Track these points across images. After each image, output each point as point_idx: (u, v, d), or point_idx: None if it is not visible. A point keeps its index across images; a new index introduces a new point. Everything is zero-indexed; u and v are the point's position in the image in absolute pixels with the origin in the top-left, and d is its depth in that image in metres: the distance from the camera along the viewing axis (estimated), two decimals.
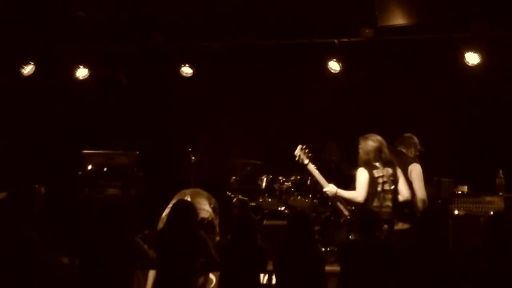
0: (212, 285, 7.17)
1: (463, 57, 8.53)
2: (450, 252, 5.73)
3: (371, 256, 5.72)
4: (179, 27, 9.23)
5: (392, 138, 8.55)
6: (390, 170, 7.30)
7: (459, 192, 8.38)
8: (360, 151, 7.53)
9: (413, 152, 7.98)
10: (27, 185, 7.45)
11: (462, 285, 5.56)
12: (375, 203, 7.21)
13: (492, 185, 8.32)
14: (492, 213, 7.71)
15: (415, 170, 7.76)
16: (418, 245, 5.69)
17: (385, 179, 7.20)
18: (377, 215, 6.03)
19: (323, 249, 7.73)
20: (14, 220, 5.45)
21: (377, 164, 7.35)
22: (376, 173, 7.31)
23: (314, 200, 8.81)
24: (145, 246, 6.01)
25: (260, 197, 8.92)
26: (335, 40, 8.87)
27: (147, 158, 8.82)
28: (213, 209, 7.51)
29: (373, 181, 7.28)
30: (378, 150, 7.40)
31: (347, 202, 7.53)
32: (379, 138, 7.49)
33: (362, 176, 7.35)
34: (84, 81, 9.55)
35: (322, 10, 8.63)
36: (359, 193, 7.35)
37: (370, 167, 7.34)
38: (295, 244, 5.92)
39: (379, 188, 7.24)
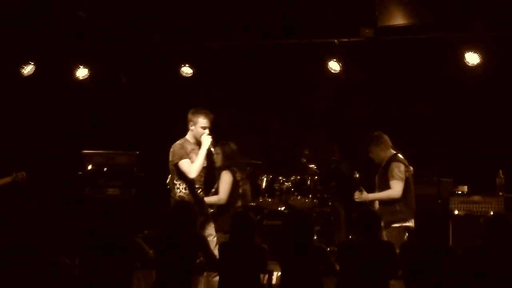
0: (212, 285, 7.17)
1: (463, 57, 8.53)
2: (451, 251, 5.73)
3: (371, 256, 5.72)
4: (179, 27, 9.23)
5: (392, 138, 8.54)
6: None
7: (459, 192, 8.39)
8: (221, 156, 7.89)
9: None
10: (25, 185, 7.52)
11: (462, 284, 5.56)
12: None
13: (492, 185, 8.32)
14: (492, 213, 7.71)
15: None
16: (419, 244, 5.70)
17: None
18: (376, 214, 6.03)
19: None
20: (16, 220, 5.45)
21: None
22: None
23: (314, 200, 8.82)
24: (146, 246, 6.02)
25: (260, 197, 8.92)
26: (335, 40, 8.87)
27: (147, 158, 8.82)
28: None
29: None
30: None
31: None
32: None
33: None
34: (84, 81, 9.54)
35: (322, 10, 8.63)
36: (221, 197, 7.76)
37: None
38: (291, 243, 5.93)
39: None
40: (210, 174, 7.80)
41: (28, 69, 9.26)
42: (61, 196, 9.13)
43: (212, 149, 7.44)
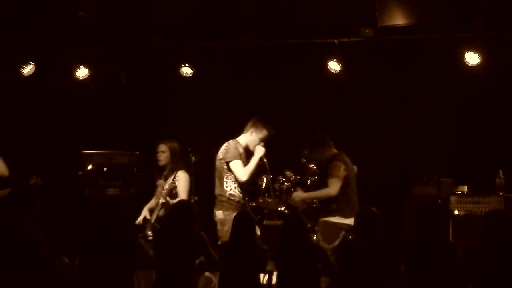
0: (212, 285, 7.17)
1: (463, 57, 8.53)
2: (450, 246, 5.72)
3: (370, 256, 5.73)
4: (179, 27, 9.23)
5: (391, 138, 8.58)
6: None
7: (459, 192, 8.38)
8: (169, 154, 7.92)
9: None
10: (28, 182, 7.52)
11: (462, 283, 5.56)
12: None
13: (492, 185, 8.32)
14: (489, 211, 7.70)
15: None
16: (419, 243, 5.70)
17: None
18: (376, 214, 6.04)
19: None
20: (18, 219, 5.45)
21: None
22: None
23: (314, 200, 8.82)
24: (146, 246, 6.02)
25: (260, 197, 8.92)
26: (335, 40, 8.86)
27: (147, 158, 8.82)
28: None
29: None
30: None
31: None
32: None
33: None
34: (84, 81, 9.54)
35: (322, 10, 8.63)
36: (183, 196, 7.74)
37: None
38: (291, 244, 5.94)
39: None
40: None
41: (28, 69, 9.25)
42: (61, 196, 9.12)
43: (265, 160, 7.70)
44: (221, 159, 7.41)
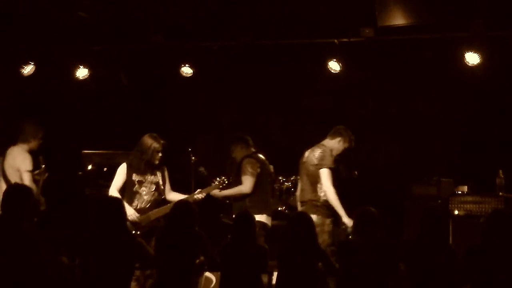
0: (212, 285, 7.17)
1: (463, 57, 8.52)
2: (451, 249, 5.73)
3: (371, 256, 5.73)
4: (179, 27, 9.23)
5: (391, 138, 8.58)
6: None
7: (459, 192, 8.39)
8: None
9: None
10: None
11: (462, 283, 5.56)
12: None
13: (492, 185, 8.32)
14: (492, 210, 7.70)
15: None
16: (420, 246, 5.70)
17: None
18: (374, 214, 6.04)
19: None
20: (17, 219, 5.45)
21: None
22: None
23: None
24: (147, 246, 6.02)
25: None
26: (335, 40, 8.86)
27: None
28: None
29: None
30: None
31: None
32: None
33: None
34: (84, 81, 9.54)
35: (322, 10, 8.63)
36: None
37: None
38: (296, 243, 5.94)
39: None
40: None
41: (28, 69, 9.25)
42: (61, 196, 9.12)
43: None
44: (316, 164, 7.35)
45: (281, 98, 9.95)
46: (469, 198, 8.26)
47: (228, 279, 5.98)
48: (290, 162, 9.04)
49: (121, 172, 7.37)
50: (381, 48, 8.95)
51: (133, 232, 6.97)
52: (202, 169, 8.19)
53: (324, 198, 7.33)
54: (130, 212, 7.06)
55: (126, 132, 9.77)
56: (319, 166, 7.33)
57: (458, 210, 8.23)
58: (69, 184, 9.18)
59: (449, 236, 7.96)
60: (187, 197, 7.35)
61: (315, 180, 7.37)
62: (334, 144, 7.54)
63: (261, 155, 7.91)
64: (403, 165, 9.54)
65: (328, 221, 7.34)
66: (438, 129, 9.47)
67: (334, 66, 8.96)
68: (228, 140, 8.03)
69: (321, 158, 7.34)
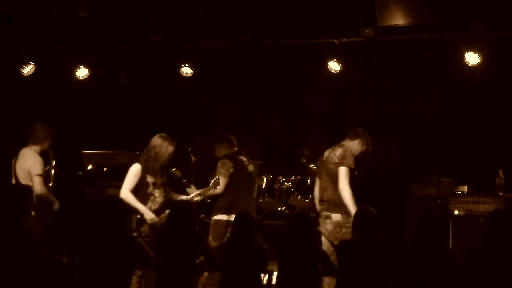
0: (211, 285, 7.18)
1: (463, 57, 8.52)
2: (449, 252, 5.74)
3: (370, 256, 5.73)
4: (179, 27, 9.23)
5: (392, 138, 8.58)
6: None
7: (459, 192, 8.39)
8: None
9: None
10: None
11: (462, 283, 5.56)
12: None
13: (492, 185, 8.32)
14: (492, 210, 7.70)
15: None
16: (419, 248, 5.70)
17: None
18: (373, 214, 6.05)
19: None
20: (17, 219, 5.45)
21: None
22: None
23: (314, 200, 8.82)
24: (146, 246, 6.02)
25: (260, 197, 8.92)
26: (335, 40, 8.86)
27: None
28: None
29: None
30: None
31: None
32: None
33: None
34: (84, 81, 9.54)
35: (322, 10, 8.63)
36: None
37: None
38: (296, 244, 5.95)
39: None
40: None
41: (28, 69, 9.26)
42: (61, 196, 9.12)
43: None
44: (337, 163, 7.34)
45: (281, 98, 9.95)
46: (469, 198, 8.25)
47: (228, 279, 5.98)
48: (290, 162, 9.06)
49: (135, 173, 7.30)
50: (381, 48, 8.94)
51: (150, 235, 6.97)
52: (175, 170, 8.20)
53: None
54: (151, 216, 7.10)
55: (126, 132, 9.79)
56: (339, 164, 7.32)
57: (458, 210, 8.22)
58: (69, 184, 9.17)
59: (448, 237, 7.97)
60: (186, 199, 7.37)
61: (336, 179, 7.34)
62: (353, 145, 7.54)
63: (242, 156, 7.93)
64: (403, 165, 9.53)
65: (349, 219, 7.33)
66: (438, 129, 9.46)
67: (334, 66, 8.96)
68: (213, 139, 8.06)
69: (342, 157, 7.34)
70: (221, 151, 7.96)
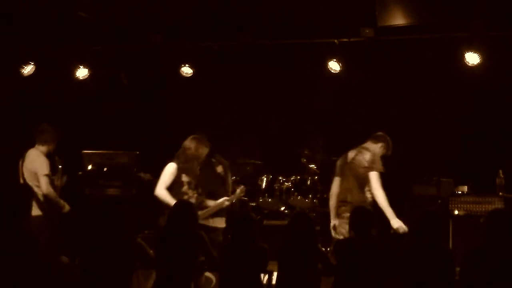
0: (212, 285, 7.17)
1: (463, 57, 8.53)
2: (449, 251, 5.73)
3: (367, 254, 5.73)
4: (179, 27, 9.23)
5: (392, 138, 8.51)
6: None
7: (459, 192, 8.39)
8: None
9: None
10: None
11: (463, 283, 5.56)
12: None
13: (492, 185, 8.32)
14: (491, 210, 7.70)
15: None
16: (417, 245, 5.70)
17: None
18: (370, 212, 6.05)
19: (323, 249, 7.73)
20: (17, 219, 5.45)
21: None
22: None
23: (314, 200, 8.83)
24: (146, 246, 6.02)
25: (260, 197, 8.92)
26: (335, 40, 8.87)
27: (147, 158, 8.83)
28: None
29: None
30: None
31: None
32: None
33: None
34: (84, 81, 9.54)
35: (322, 10, 8.63)
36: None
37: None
38: (296, 244, 5.95)
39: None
40: None
41: (28, 69, 9.26)
42: (61, 196, 9.12)
43: None
44: (366, 167, 7.38)
45: (281, 98, 9.95)
46: (469, 198, 8.25)
47: (228, 279, 5.98)
48: (290, 162, 9.06)
49: (172, 172, 7.37)
50: (381, 48, 8.95)
51: None
52: (143, 174, 8.22)
53: (371, 199, 7.35)
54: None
55: (126, 132, 9.78)
56: (369, 169, 7.36)
57: (458, 210, 8.22)
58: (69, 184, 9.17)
59: (448, 237, 7.98)
60: (215, 204, 7.42)
61: (363, 182, 7.39)
62: (375, 148, 7.56)
63: (212, 157, 8.00)
64: (403, 165, 9.53)
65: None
66: (438, 129, 9.46)
67: (334, 66, 8.96)
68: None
69: (373, 162, 7.39)
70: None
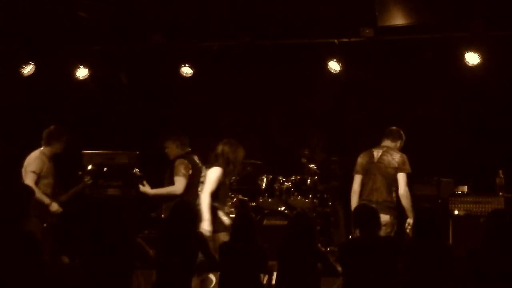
0: (212, 285, 7.17)
1: (463, 57, 8.53)
2: (449, 250, 5.73)
3: (373, 253, 5.72)
4: (179, 27, 9.23)
5: None
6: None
7: (459, 192, 8.39)
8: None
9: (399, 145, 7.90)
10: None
11: (463, 283, 5.56)
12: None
13: (492, 185, 8.32)
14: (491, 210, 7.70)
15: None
16: (418, 246, 5.70)
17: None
18: (372, 210, 6.05)
19: (323, 249, 7.74)
20: (17, 219, 5.45)
21: None
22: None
23: (314, 200, 8.82)
24: (146, 246, 6.02)
25: (260, 197, 8.92)
26: (335, 40, 8.87)
27: (147, 158, 8.83)
28: None
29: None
30: None
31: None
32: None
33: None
34: (84, 81, 9.54)
35: (322, 10, 8.63)
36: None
37: None
38: (296, 244, 5.94)
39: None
40: None
41: (28, 69, 9.26)
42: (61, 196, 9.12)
43: None
44: (396, 167, 7.45)
45: (281, 98, 9.95)
46: (469, 198, 8.26)
47: (228, 279, 5.98)
48: (290, 162, 9.05)
49: (219, 176, 7.25)
50: (381, 48, 8.95)
51: None
52: (136, 171, 8.24)
53: (395, 200, 7.46)
54: (227, 222, 7.17)
55: (126, 132, 9.78)
56: (399, 169, 7.44)
57: (458, 210, 8.23)
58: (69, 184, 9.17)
59: (448, 237, 7.98)
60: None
61: (391, 183, 7.47)
62: (395, 146, 7.64)
63: (195, 156, 8.04)
64: None
65: (395, 221, 7.50)
66: (438, 129, 9.46)
67: (334, 66, 8.96)
68: (165, 135, 8.12)
69: (403, 163, 7.48)
70: (174, 150, 8.05)
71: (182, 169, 7.81)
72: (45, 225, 7.63)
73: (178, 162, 7.88)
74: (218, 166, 7.25)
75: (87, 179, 8.07)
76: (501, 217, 5.50)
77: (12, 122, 9.58)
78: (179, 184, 7.78)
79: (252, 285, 5.94)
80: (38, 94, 9.66)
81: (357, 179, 7.65)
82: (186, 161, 7.89)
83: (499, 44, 8.51)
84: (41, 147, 7.91)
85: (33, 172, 7.67)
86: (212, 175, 7.20)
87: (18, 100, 9.63)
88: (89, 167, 8.41)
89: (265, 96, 9.98)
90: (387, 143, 7.66)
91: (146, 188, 8.01)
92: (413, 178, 8.87)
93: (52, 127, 7.94)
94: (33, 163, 7.70)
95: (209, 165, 7.36)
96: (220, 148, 7.38)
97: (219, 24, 9.07)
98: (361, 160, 7.69)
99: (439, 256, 5.57)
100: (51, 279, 5.73)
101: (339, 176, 9.14)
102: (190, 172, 7.86)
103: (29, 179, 7.57)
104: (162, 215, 7.97)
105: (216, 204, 7.18)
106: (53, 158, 8.01)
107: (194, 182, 7.81)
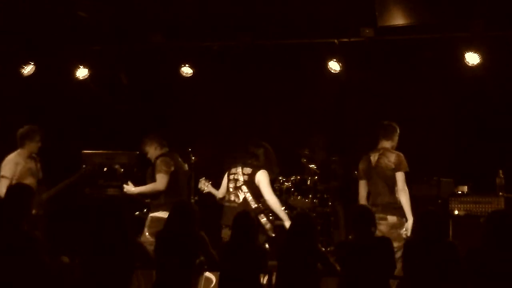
0: (212, 285, 7.17)
1: (463, 57, 8.53)
2: (451, 246, 5.72)
3: (370, 253, 5.73)
4: (179, 27, 9.23)
5: None
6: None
7: (459, 192, 8.39)
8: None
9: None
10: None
11: (463, 282, 5.56)
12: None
13: (492, 185, 8.32)
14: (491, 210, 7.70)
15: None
16: (420, 244, 5.69)
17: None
18: (368, 210, 6.06)
19: (323, 249, 7.73)
20: (17, 219, 5.45)
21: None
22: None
23: (314, 200, 8.82)
24: (147, 247, 6.02)
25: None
26: (335, 40, 8.87)
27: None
28: None
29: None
30: None
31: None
32: None
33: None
34: (84, 81, 9.54)
35: (322, 10, 8.63)
36: None
37: None
38: (296, 244, 5.95)
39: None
40: None
41: (28, 69, 9.26)
42: (61, 196, 9.12)
43: None
44: (393, 168, 7.44)
45: (281, 98, 9.95)
46: (469, 198, 8.26)
47: (228, 279, 5.98)
48: (290, 162, 9.04)
49: (269, 178, 7.54)
50: (381, 48, 8.95)
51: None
52: (118, 167, 8.29)
53: (399, 200, 7.42)
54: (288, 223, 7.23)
55: (126, 132, 9.78)
56: (397, 169, 7.43)
57: (458, 210, 8.23)
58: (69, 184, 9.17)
59: (448, 237, 7.97)
60: None
61: (393, 183, 7.44)
62: (391, 145, 7.64)
63: (176, 154, 8.14)
64: None
65: (403, 221, 7.45)
66: (438, 129, 9.46)
67: (334, 66, 8.96)
68: (144, 139, 8.19)
69: (399, 163, 7.45)
70: (153, 151, 8.15)
71: (163, 166, 7.91)
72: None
73: (159, 160, 7.99)
74: (263, 168, 7.49)
75: (83, 169, 8.10)
76: (501, 217, 5.51)
77: (12, 122, 9.57)
78: (161, 180, 7.87)
79: (252, 285, 5.94)
80: (38, 94, 9.66)
81: (362, 185, 7.66)
82: (167, 158, 7.99)
83: (499, 44, 8.51)
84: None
85: (4, 177, 7.68)
86: (266, 179, 7.46)
87: (18, 100, 9.63)
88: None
89: (265, 96, 9.98)
90: (382, 143, 7.62)
91: (129, 187, 8.05)
92: (413, 178, 8.87)
93: (24, 127, 7.94)
94: (4, 167, 7.74)
95: (243, 166, 7.54)
96: (258, 151, 7.60)
97: (219, 24, 9.07)
98: (361, 166, 7.69)
99: (442, 255, 5.56)
100: (51, 279, 5.73)
101: (339, 176, 9.13)
102: (172, 168, 7.95)
103: (2, 185, 7.54)
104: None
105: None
106: (36, 158, 7.99)
107: (177, 179, 7.96)
